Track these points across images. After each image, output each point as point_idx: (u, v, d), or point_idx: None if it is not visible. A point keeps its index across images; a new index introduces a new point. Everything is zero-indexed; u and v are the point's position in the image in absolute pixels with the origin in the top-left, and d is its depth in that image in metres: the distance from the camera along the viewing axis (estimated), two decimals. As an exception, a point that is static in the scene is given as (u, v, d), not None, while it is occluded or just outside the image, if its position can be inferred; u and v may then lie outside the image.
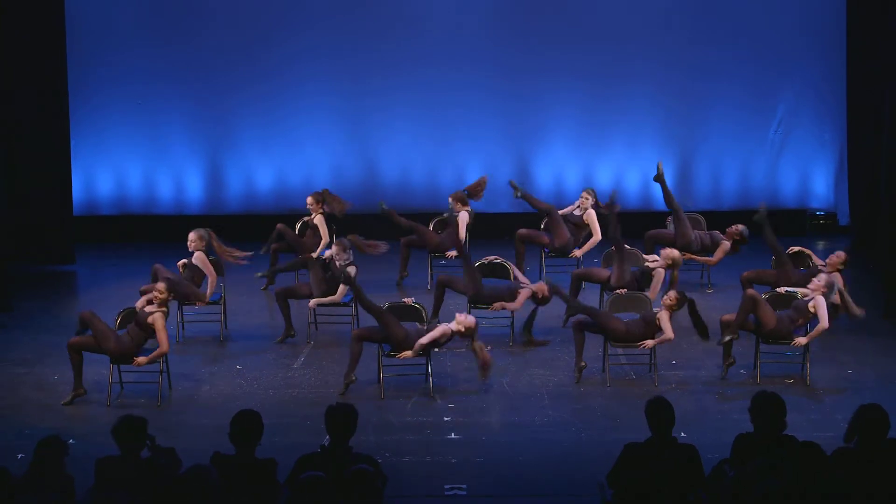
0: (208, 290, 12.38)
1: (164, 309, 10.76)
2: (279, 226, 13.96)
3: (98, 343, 10.80)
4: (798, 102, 16.91)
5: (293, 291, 12.62)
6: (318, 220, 13.91)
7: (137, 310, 10.98)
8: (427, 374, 11.13)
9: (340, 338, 12.39)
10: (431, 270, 14.37)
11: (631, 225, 14.75)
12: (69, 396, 10.83)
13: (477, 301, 12.48)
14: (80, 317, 11.00)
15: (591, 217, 14.03)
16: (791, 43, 16.77)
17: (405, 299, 11.64)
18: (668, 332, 11.13)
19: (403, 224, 14.14)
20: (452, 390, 11.14)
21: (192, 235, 12.53)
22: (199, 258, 12.45)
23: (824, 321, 11.10)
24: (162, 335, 10.68)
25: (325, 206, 13.87)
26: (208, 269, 12.42)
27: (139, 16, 16.54)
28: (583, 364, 11.31)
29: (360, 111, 16.77)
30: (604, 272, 12.87)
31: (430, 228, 14.34)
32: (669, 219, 14.34)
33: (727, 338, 11.17)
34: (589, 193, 14.12)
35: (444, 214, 14.26)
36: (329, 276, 12.41)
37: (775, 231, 13.08)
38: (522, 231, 14.22)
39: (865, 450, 7.27)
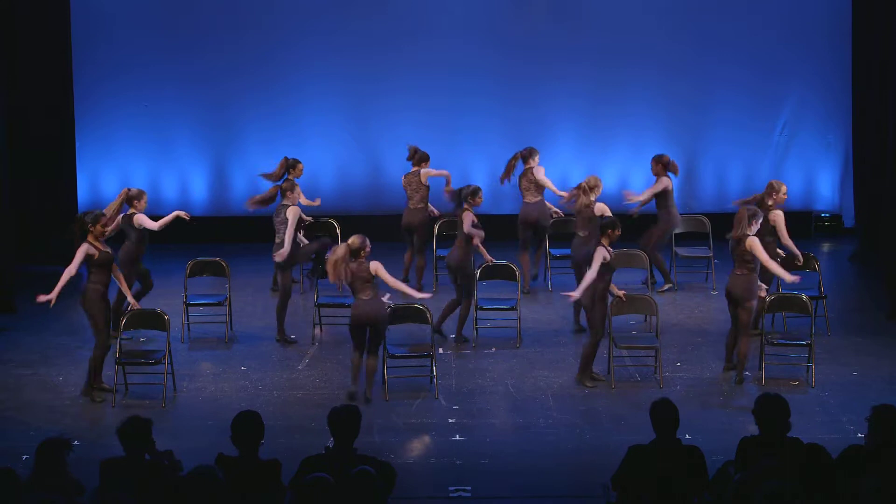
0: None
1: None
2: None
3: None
4: (803, 104, 16.89)
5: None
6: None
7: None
8: (432, 376, 11.14)
9: (345, 339, 12.36)
10: (436, 272, 14.38)
11: (635, 227, 14.79)
12: (99, 396, 10.92)
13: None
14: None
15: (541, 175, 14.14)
16: (796, 44, 16.75)
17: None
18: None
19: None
20: (457, 392, 11.14)
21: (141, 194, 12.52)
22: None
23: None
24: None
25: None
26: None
27: (145, 16, 16.54)
28: (601, 379, 11.34)
29: (365, 113, 16.77)
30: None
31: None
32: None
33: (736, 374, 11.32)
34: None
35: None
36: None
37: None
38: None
39: (875, 450, 7.26)
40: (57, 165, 15.55)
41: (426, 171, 14.27)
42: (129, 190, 12.52)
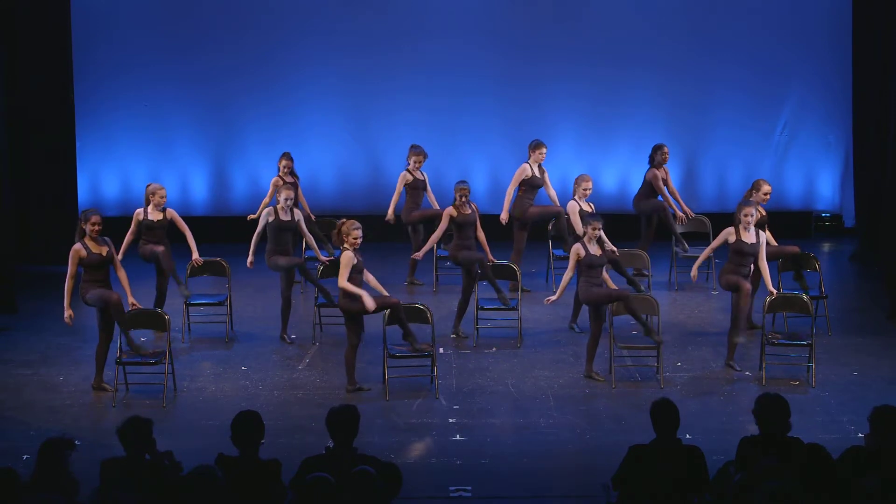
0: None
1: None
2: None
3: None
4: (803, 104, 16.90)
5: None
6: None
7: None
8: (432, 376, 11.14)
9: (345, 339, 12.37)
10: (437, 272, 14.37)
11: (633, 227, 14.84)
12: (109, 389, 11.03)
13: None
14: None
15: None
16: (796, 44, 16.75)
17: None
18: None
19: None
20: (457, 392, 11.14)
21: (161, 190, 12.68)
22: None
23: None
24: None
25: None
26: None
27: (145, 16, 16.53)
28: (599, 378, 11.35)
29: (365, 113, 16.77)
30: None
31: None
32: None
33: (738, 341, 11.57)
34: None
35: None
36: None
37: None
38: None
39: (875, 450, 7.26)
40: (57, 165, 15.55)
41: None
42: (148, 185, 12.81)
